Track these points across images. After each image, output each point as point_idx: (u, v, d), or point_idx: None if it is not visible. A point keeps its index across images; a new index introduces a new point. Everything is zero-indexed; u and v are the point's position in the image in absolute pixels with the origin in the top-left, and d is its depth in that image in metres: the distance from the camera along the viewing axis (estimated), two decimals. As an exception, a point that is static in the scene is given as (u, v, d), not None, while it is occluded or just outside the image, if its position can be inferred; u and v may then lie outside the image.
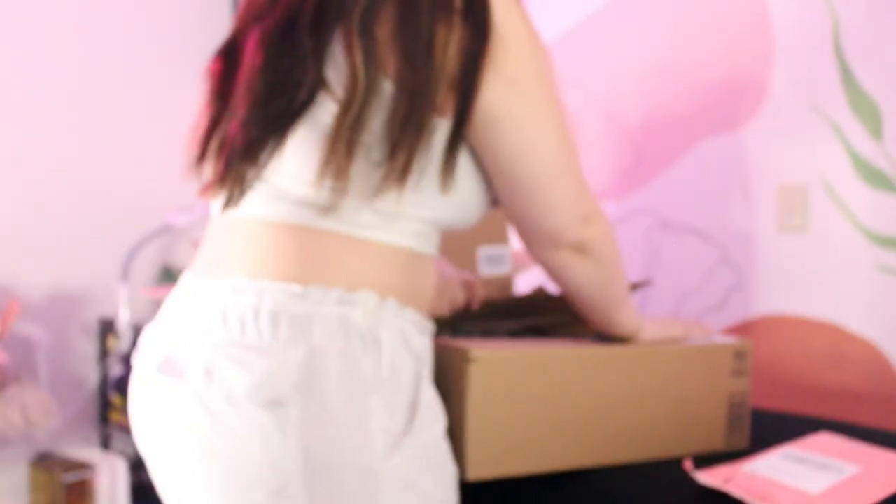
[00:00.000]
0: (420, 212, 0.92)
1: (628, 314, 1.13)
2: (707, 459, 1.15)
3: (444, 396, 1.02)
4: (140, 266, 2.89)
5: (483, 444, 1.02)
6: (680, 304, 2.03)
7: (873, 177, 1.69)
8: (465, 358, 1.02)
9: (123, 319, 2.67)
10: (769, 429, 1.31)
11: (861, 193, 1.71)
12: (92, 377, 2.83)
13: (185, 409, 0.88)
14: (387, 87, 0.86)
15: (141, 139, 2.93)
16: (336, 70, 0.87)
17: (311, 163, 0.88)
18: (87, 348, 2.84)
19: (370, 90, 0.85)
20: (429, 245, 0.97)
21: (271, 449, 0.84)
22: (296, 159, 0.89)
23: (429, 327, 0.98)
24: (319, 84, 0.87)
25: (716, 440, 1.21)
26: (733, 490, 1.01)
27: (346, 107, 0.85)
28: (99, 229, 2.83)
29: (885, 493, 1.02)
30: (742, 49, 1.90)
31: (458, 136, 0.89)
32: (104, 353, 2.81)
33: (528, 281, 2.03)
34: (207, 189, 0.96)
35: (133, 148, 2.91)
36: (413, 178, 0.88)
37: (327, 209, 0.89)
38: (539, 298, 1.30)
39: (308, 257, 0.90)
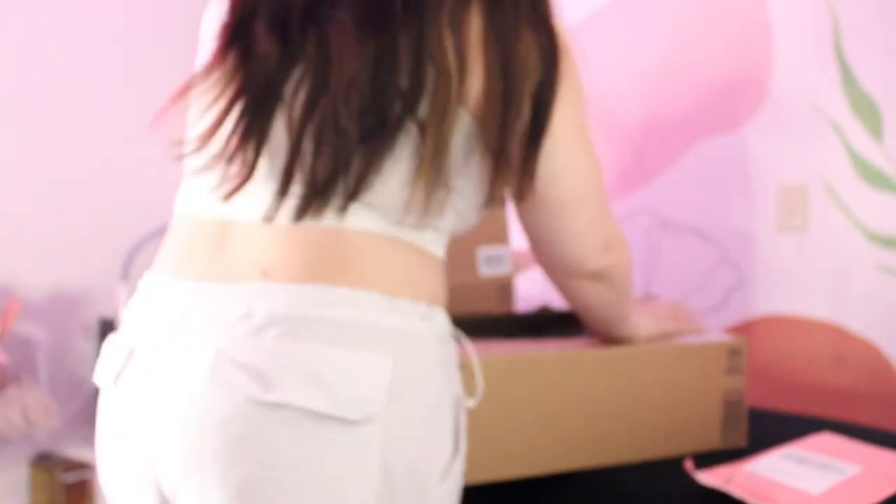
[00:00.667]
0: (449, 223, 0.90)
1: (630, 322, 1.14)
2: (707, 459, 1.15)
3: None
4: (140, 266, 2.89)
5: (475, 449, 1.02)
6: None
7: (873, 177, 1.68)
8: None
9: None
10: (769, 429, 1.31)
11: (861, 193, 1.70)
12: (92, 377, 2.83)
13: (246, 428, 0.76)
14: (472, 96, 0.82)
15: (141, 139, 2.92)
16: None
17: (393, 182, 0.81)
18: (87, 348, 2.84)
19: (459, 99, 0.80)
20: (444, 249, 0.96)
21: (348, 469, 0.77)
22: (379, 177, 0.81)
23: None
24: (419, 92, 0.79)
25: (712, 439, 1.20)
26: (734, 490, 1.01)
27: (435, 121, 0.79)
28: (99, 229, 2.83)
29: (886, 493, 1.02)
30: (742, 49, 1.90)
31: (536, 146, 0.86)
32: (104, 353, 2.80)
33: (528, 281, 2.02)
34: (236, 188, 0.84)
35: (133, 148, 2.90)
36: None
37: (411, 228, 0.84)
38: (542, 317, 1.30)
39: (396, 268, 0.84)
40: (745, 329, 1.89)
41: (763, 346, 1.86)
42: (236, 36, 0.86)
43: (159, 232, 2.73)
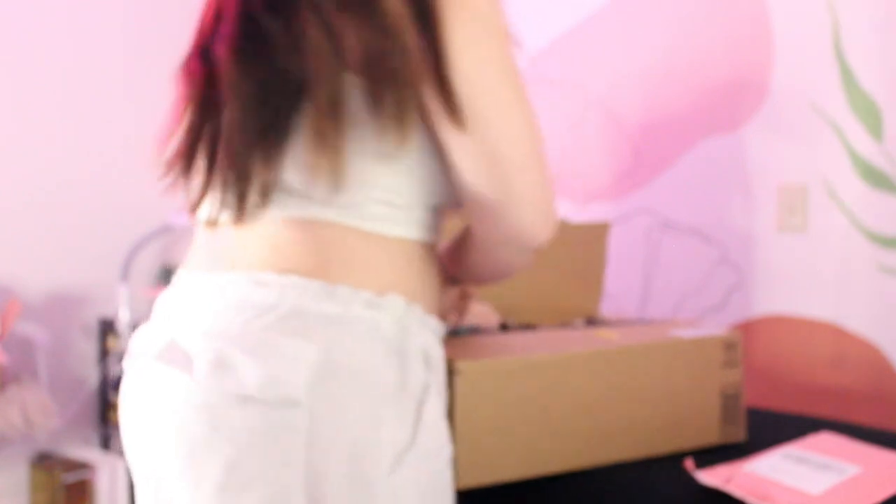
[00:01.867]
0: (420, 198, 0.91)
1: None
2: (708, 459, 1.15)
3: None
4: (140, 266, 2.89)
5: (472, 453, 1.01)
6: (680, 304, 2.03)
7: (873, 177, 1.68)
8: (450, 369, 1.01)
9: (123, 319, 2.67)
10: (769, 429, 1.31)
11: (861, 193, 1.70)
12: (92, 377, 2.83)
13: (185, 403, 0.83)
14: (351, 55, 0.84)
15: (141, 139, 2.92)
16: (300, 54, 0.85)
17: (305, 154, 0.86)
18: (87, 348, 2.84)
19: (338, 64, 0.84)
20: (435, 236, 0.96)
21: (275, 448, 0.79)
22: (293, 154, 0.88)
23: (442, 333, 0.96)
24: (302, 80, 0.85)
25: (711, 434, 1.20)
26: (734, 490, 1.01)
27: (320, 90, 0.84)
28: (99, 229, 2.83)
29: (886, 493, 1.01)
30: (742, 49, 1.90)
31: (438, 76, 0.84)
32: (104, 353, 2.81)
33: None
34: (197, 203, 0.94)
35: (133, 148, 2.90)
36: (408, 139, 0.85)
37: (330, 198, 0.86)
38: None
39: (333, 253, 0.87)
40: (745, 329, 1.89)
41: (763, 346, 1.86)
42: (184, 65, 0.97)
43: (159, 232, 2.73)
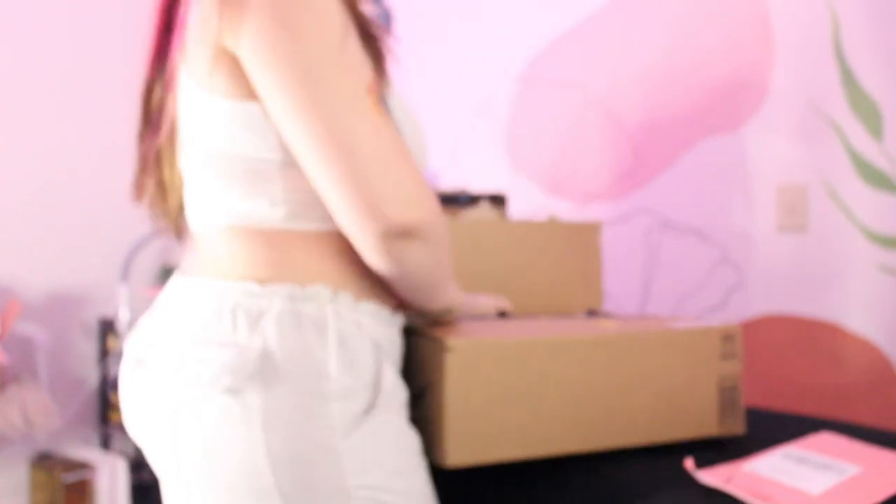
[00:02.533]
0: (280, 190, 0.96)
1: (449, 290, 1.08)
2: (708, 459, 1.15)
3: (426, 385, 1.04)
4: (140, 266, 2.89)
5: (462, 432, 1.02)
6: (680, 304, 2.03)
7: (873, 177, 1.68)
8: (442, 347, 1.02)
9: (123, 319, 2.67)
10: (769, 428, 1.30)
11: (861, 193, 1.70)
12: (92, 377, 2.83)
13: (160, 398, 0.93)
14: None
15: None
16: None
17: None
18: (87, 348, 2.83)
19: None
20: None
21: (237, 435, 0.88)
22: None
23: (392, 319, 1.01)
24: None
25: (709, 426, 1.19)
26: (734, 490, 1.01)
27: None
28: (99, 229, 2.83)
29: (886, 493, 1.01)
30: (742, 49, 1.90)
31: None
32: (104, 353, 2.80)
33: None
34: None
35: (133, 148, 2.90)
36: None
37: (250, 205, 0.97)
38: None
39: (262, 257, 0.96)
40: (745, 329, 1.88)
41: (763, 345, 1.85)
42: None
43: (159, 232, 2.72)
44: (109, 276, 2.82)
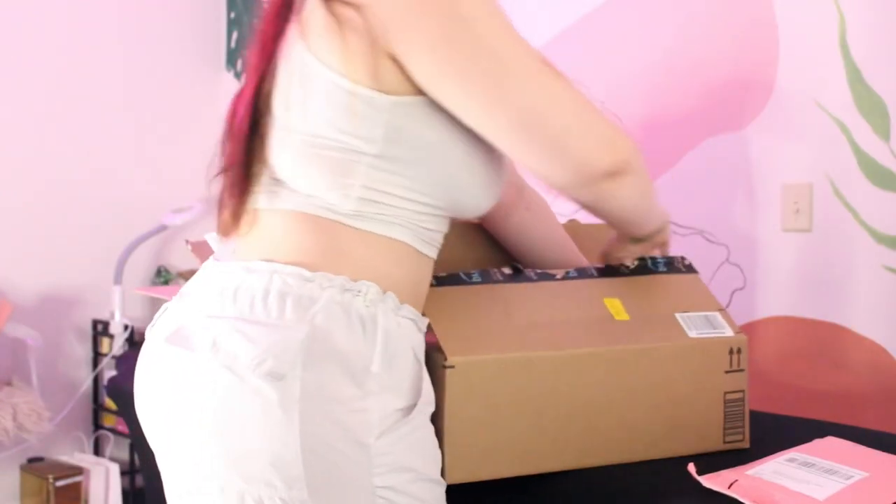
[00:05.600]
0: (410, 194, 0.96)
1: (658, 208, 1.17)
2: (711, 464, 1.13)
3: None
4: (134, 267, 2.88)
5: (462, 448, 1.02)
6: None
7: (880, 176, 1.67)
8: (442, 363, 1.01)
9: (117, 321, 2.66)
10: (774, 432, 1.30)
11: (867, 193, 1.69)
12: (84, 380, 2.82)
13: (191, 378, 0.92)
14: None
15: (135, 141, 2.92)
16: None
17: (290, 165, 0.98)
18: (80, 351, 2.84)
19: None
20: (431, 249, 1.02)
21: (272, 421, 0.87)
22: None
23: (424, 325, 1.00)
24: None
25: (713, 440, 1.18)
26: (737, 494, 0.99)
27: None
28: (92, 230, 2.83)
29: (893, 499, 0.99)
30: (747, 47, 1.89)
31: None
32: (97, 356, 2.80)
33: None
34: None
35: (127, 149, 2.90)
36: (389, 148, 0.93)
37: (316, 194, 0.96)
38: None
39: (317, 245, 0.96)
40: (749, 330, 1.87)
41: (768, 347, 1.84)
42: None
43: (153, 233, 2.72)
44: (103, 277, 2.81)
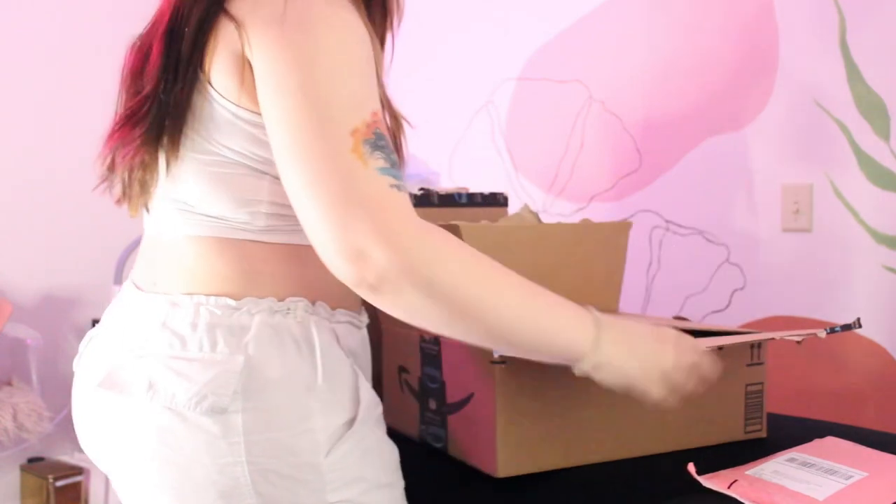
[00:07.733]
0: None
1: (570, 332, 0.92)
2: (711, 464, 1.13)
3: (472, 394, 1.08)
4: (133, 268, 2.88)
5: (511, 444, 1.06)
6: (684, 305, 2.02)
7: (880, 176, 1.67)
8: (491, 360, 1.05)
9: (117, 321, 2.65)
10: (774, 432, 1.30)
11: (867, 193, 1.69)
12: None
13: (132, 423, 0.90)
14: None
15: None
16: None
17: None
18: (81, 351, 2.83)
19: None
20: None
21: (217, 454, 0.87)
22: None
23: (361, 320, 1.03)
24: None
25: (735, 430, 1.24)
26: (737, 494, 0.99)
27: None
28: (92, 230, 2.83)
29: (893, 499, 0.99)
30: (747, 47, 1.89)
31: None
32: (97, 356, 2.79)
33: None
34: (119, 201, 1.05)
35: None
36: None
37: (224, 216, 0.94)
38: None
39: (236, 271, 0.94)
40: (748, 332, 1.87)
41: (767, 348, 1.83)
42: None
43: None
44: (102, 277, 2.81)
